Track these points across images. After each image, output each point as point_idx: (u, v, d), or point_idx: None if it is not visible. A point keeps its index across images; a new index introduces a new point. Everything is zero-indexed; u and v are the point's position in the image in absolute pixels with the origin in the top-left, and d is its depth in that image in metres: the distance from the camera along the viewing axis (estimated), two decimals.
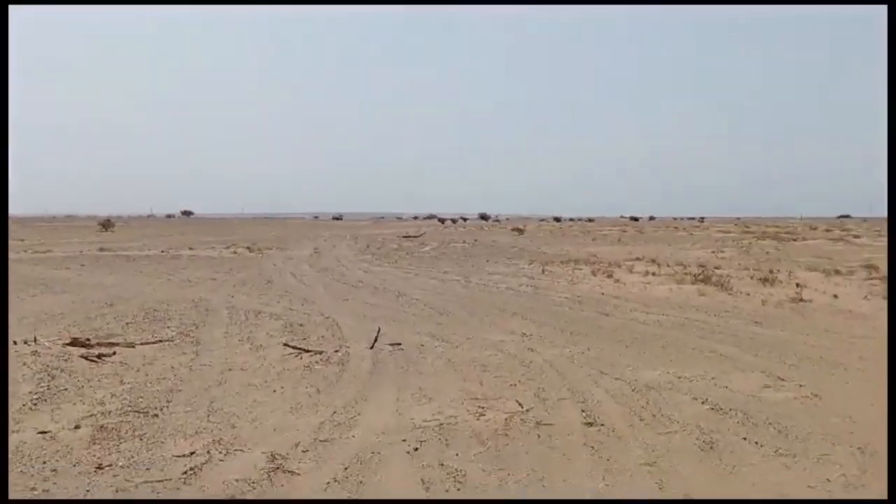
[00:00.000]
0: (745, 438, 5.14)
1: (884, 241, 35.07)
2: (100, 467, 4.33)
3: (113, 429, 5.08)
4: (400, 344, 8.67)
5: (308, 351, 8.16)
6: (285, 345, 8.42)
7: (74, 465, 4.38)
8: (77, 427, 5.11)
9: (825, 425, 5.46)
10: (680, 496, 4.10)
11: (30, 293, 13.72)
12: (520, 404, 5.96)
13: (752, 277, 16.54)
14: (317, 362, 7.67)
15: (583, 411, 5.81)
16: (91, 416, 5.40)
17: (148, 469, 4.36)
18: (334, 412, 5.72)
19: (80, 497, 3.98)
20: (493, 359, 7.90)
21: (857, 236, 41.87)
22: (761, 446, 4.97)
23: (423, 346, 8.66)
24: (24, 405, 5.65)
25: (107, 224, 57.61)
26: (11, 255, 25.14)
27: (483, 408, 5.86)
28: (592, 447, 4.94)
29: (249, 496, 4.03)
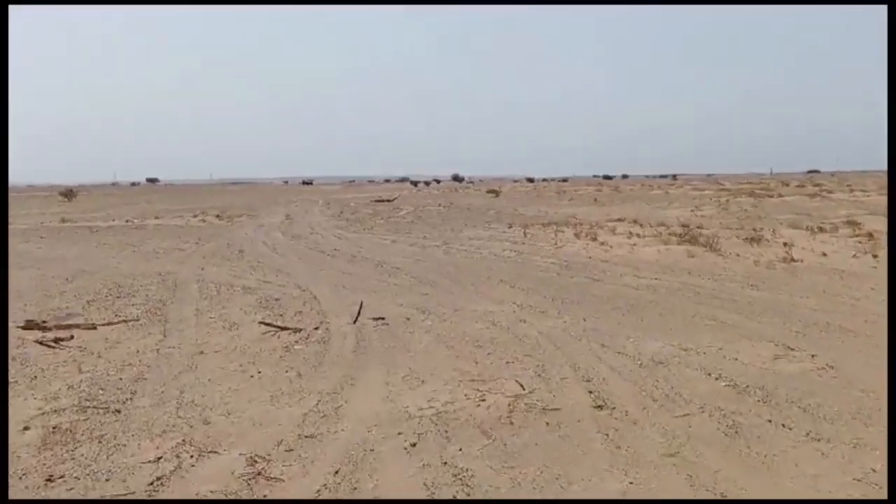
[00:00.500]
0: (769, 420, 4.71)
1: (859, 197, 35.19)
2: (50, 479, 3.75)
3: (67, 429, 4.47)
4: (384, 318, 8.13)
5: (286, 329, 7.58)
6: (261, 323, 7.83)
7: (21, 478, 3.79)
8: (26, 428, 4.49)
9: (851, 402, 5.06)
10: (713, 495, 3.66)
11: None
12: (521, 385, 5.47)
13: (737, 237, 16.20)
14: (296, 342, 7.11)
15: (590, 392, 5.34)
16: (43, 413, 4.78)
17: (107, 480, 3.78)
18: (319, 400, 5.18)
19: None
20: (484, 333, 7.40)
21: (830, 191, 42.01)
22: (789, 429, 4.55)
23: (408, 319, 8.14)
24: None
25: (69, 194, 55.70)
26: None
27: (482, 391, 5.36)
28: (606, 435, 4.48)
29: None
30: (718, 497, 3.63)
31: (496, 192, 56.53)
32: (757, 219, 22.99)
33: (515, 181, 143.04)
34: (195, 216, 29.94)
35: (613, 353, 6.51)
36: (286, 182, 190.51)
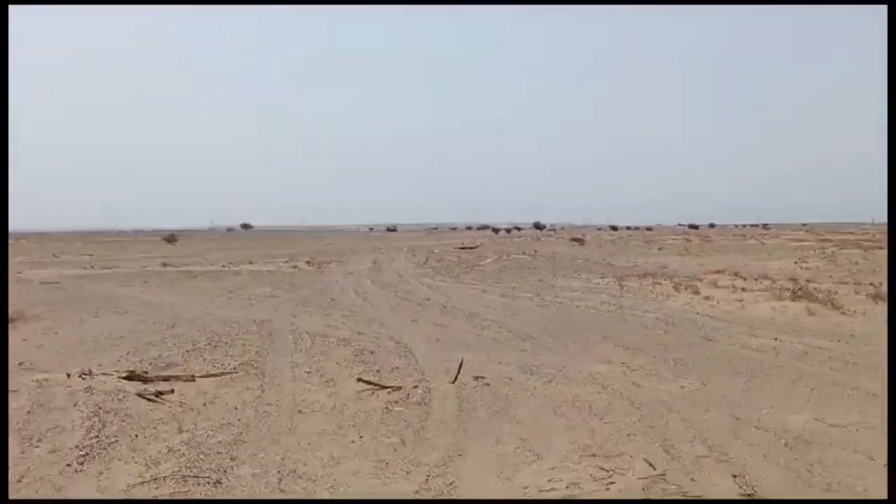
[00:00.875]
0: None
1: None
2: None
3: None
4: (484, 377, 7.67)
5: (384, 387, 7.23)
6: (359, 380, 7.51)
7: None
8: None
9: None
10: None
11: (92, 313, 13.32)
12: (651, 465, 4.87)
13: (857, 292, 14.91)
14: (395, 402, 6.73)
15: (733, 476, 4.68)
16: (142, 482, 4.54)
17: None
18: (428, 476, 4.74)
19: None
20: (597, 398, 6.81)
21: None
22: None
23: (511, 380, 7.64)
24: (69, 465, 4.84)
25: (171, 239, 59.14)
26: (81, 271, 25.26)
27: (607, 470, 4.79)
28: None
29: None
30: None
31: (580, 241, 55.54)
32: (871, 272, 21.29)
33: (599, 229, 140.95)
34: (286, 262, 30.58)
35: (750, 427, 5.79)
36: (371, 229, 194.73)
